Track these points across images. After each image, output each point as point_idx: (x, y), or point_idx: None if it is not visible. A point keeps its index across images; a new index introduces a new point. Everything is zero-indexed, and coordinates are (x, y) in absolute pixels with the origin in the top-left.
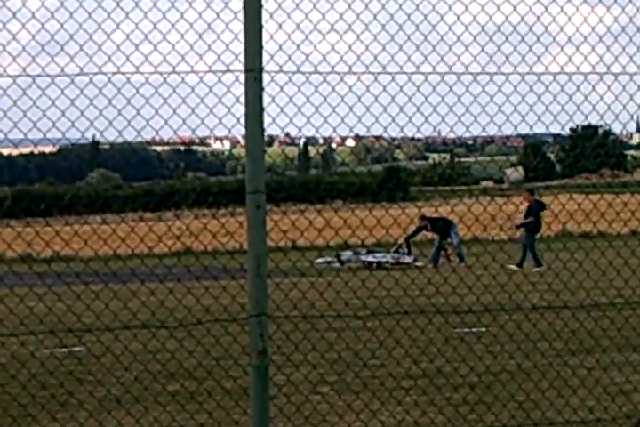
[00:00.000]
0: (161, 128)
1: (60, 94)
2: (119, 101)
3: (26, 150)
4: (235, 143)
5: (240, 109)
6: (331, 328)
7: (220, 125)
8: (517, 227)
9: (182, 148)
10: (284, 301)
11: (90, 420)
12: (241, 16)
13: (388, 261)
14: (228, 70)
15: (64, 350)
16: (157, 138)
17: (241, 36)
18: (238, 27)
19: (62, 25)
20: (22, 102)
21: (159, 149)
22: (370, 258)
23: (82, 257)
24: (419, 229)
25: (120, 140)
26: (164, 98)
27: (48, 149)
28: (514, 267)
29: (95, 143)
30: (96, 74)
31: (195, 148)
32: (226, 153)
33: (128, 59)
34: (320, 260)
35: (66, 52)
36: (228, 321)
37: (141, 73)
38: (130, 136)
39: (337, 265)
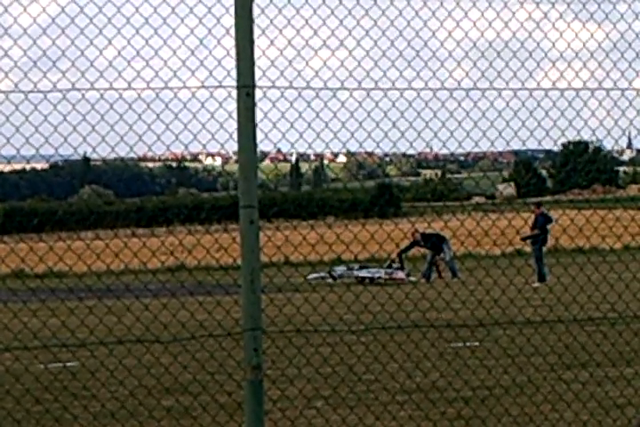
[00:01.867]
0: (153, 144)
1: (53, 110)
2: (111, 117)
3: (18, 166)
4: (226, 159)
5: (232, 125)
6: (325, 343)
7: (213, 141)
8: (523, 239)
9: (174, 164)
10: (278, 316)
11: None
12: (232, 32)
13: (380, 277)
14: (221, 86)
15: (58, 364)
16: (150, 154)
17: (233, 52)
18: (230, 43)
19: (54, 41)
20: (14, 118)
21: (151, 165)
22: (363, 273)
23: (75, 273)
24: (412, 244)
25: (113, 155)
26: (157, 114)
27: (40, 165)
28: (537, 284)
29: (86, 159)
30: (88, 90)
31: (186, 164)
32: (217, 169)
33: (120, 75)
34: (313, 275)
35: (58, 68)
36: (223, 336)
37: (133, 89)
38: (122, 152)
39: (330, 281)
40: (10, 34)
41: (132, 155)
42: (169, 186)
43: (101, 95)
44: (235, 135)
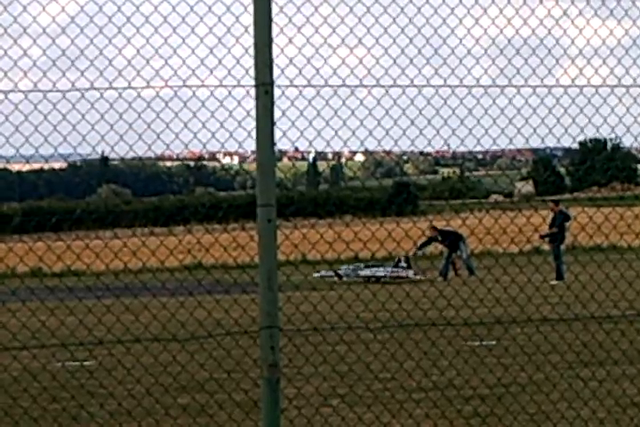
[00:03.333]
0: (171, 142)
1: (71, 109)
2: (130, 116)
3: (36, 166)
4: (243, 159)
5: (251, 123)
6: (341, 341)
7: (231, 140)
8: (542, 237)
9: (192, 163)
10: (295, 314)
11: None
12: (251, 30)
13: (385, 276)
14: (239, 84)
15: (75, 363)
16: (168, 153)
17: (251, 51)
18: (249, 41)
19: (73, 40)
20: (33, 117)
21: (169, 164)
22: (367, 272)
23: (93, 271)
24: (430, 240)
25: (131, 154)
26: (175, 112)
27: (58, 164)
28: (555, 282)
29: (105, 159)
30: (107, 89)
31: (204, 163)
32: (235, 168)
33: (139, 73)
34: (317, 274)
35: (76, 67)
36: (239, 334)
37: (152, 87)
38: (140, 151)
39: (335, 279)
40: (29, 33)
41: (150, 154)
42: (186, 185)
43: (120, 94)
44: (253, 134)
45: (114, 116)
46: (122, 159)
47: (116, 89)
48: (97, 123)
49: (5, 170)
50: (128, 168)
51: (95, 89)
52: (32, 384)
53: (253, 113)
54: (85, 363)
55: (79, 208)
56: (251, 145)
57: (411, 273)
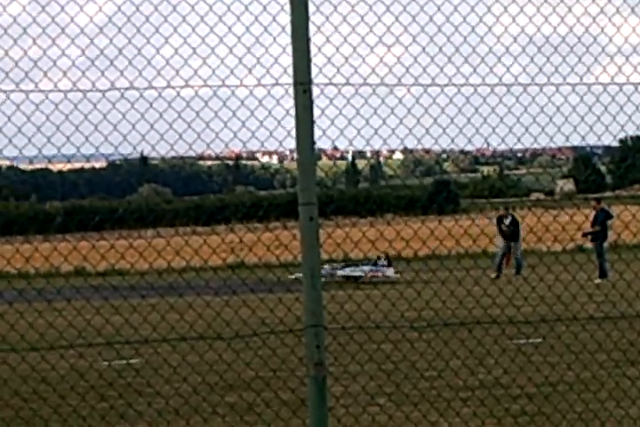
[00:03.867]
0: (212, 142)
1: (111, 109)
2: (169, 116)
3: (77, 165)
4: (283, 157)
5: (290, 122)
6: (387, 340)
7: (270, 139)
8: (584, 235)
9: (231, 162)
10: (340, 312)
11: None
12: (288, 29)
13: (363, 275)
14: (278, 83)
15: (122, 362)
16: (207, 152)
17: (289, 50)
18: (286, 40)
19: (111, 40)
20: (74, 117)
21: (209, 163)
22: (346, 272)
23: (137, 270)
24: (500, 219)
25: (171, 154)
26: (215, 112)
27: (99, 164)
28: (599, 280)
29: (145, 158)
30: (146, 89)
31: (243, 162)
32: (274, 167)
33: (177, 73)
34: (296, 275)
35: (115, 66)
36: (284, 333)
37: (191, 86)
38: (181, 150)
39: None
40: (67, 33)
41: (190, 153)
42: (226, 184)
43: (159, 94)
44: (292, 133)
45: (154, 116)
46: (162, 158)
47: (155, 88)
48: (137, 122)
49: (47, 170)
50: (168, 167)
51: (134, 89)
52: (79, 383)
53: (293, 112)
54: (131, 361)
55: (121, 207)
56: (290, 144)
57: (391, 272)
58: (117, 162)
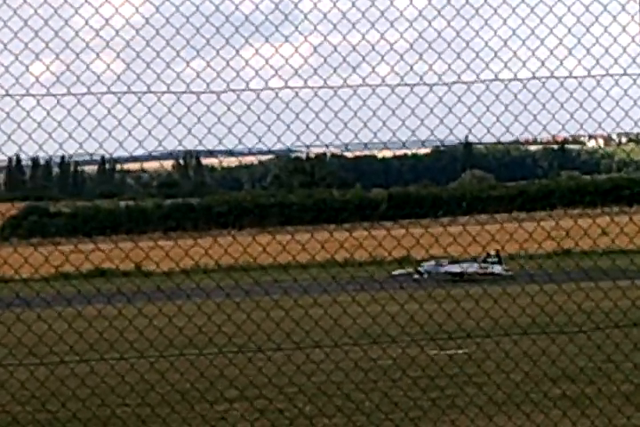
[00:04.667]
0: (545, 126)
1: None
2: (495, 107)
3: (399, 152)
4: (608, 141)
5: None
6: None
7: (591, 122)
8: None
9: (555, 147)
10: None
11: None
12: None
13: (475, 272)
14: (625, 73)
15: (446, 352)
16: (530, 138)
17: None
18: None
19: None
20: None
21: (533, 148)
22: (452, 269)
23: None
24: None
25: (491, 139)
26: (541, 102)
27: (422, 150)
28: None
29: (468, 144)
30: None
31: (568, 146)
32: (600, 151)
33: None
34: (398, 271)
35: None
36: (628, 327)
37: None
38: (505, 136)
39: (416, 277)
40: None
41: (509, 138)
42: (551, 169)
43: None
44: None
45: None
46: (484, 144)
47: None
48: (454, 106)
49: (371, 157)
50: (491, 153)
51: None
52: (410, 369)
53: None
54: (457, 352)
55: (444, 194)
56: (609, 126)
57: (500, 269)
58: (441, 148)
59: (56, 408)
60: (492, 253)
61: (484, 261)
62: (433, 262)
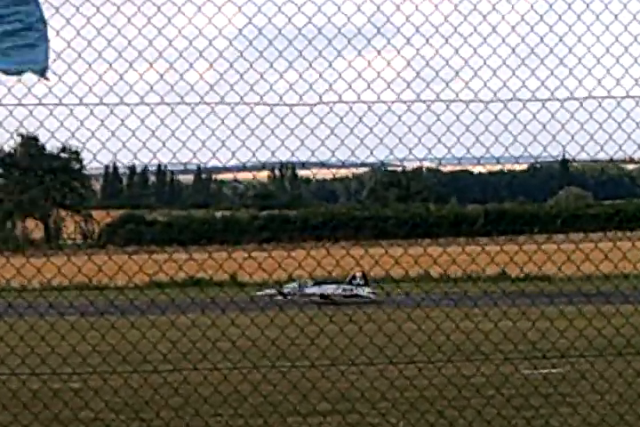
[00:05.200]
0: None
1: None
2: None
3: (495, 168)
4: None
5: None
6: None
7: None
8: None
9: None
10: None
11: None
12: None
13: (337, 294)
14: None
15: (540, 371)
16: (626, 157)
17: None
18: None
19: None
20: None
21: (630, 167)
22: (314, 290)
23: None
24: None
25: (585, 157)
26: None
27: (518, 166)
28: None
29: (565, 161)
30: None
31: None
32: None
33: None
34: (260, 293)
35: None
36: None
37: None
38: (599, 155)
39: (279, 298)
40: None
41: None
42: None
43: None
44: None
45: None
46: (580, 162)
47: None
48: (559, 131)
49: (467, 171)
50: (589, 171)
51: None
52: (503, 388)
53: None
54: (551, 371)
55: (541, 211)
56: None
57: (366, 291)
58: (536, 165)
59: (150, 417)
60: (358, 274)
61: (349, 283)
62: (295, 284)
